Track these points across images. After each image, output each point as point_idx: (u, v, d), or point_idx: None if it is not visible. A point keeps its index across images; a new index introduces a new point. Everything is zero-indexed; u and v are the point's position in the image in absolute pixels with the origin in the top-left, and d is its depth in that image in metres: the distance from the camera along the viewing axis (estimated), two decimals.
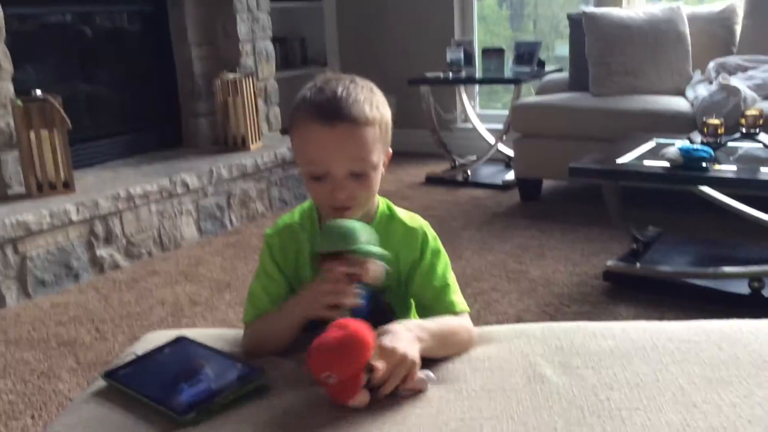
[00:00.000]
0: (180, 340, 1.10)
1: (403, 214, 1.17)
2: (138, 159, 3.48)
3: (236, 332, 1.18)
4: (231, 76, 3.61)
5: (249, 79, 3.64)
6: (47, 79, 3.22)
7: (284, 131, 4.17)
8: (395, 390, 0.95)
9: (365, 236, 1.01)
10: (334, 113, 1.02)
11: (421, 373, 0.97)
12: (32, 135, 2.77)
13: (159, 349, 1.07)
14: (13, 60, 2.81)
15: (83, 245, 2.77)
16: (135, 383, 0.99)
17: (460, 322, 1.11)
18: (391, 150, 1.12)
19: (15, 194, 2.83)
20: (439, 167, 4.26)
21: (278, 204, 3.65)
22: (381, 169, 1.09)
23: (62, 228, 2.68)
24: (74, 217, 2.70)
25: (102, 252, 2.83)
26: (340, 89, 1.04)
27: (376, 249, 1.01)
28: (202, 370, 1.00)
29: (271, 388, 0.98)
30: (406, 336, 0.98)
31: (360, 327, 0.93)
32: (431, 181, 4.10)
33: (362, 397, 0.93)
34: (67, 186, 2.85)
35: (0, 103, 2.77)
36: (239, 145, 3.63)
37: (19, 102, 2.76)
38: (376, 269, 1.01)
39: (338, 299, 0.99)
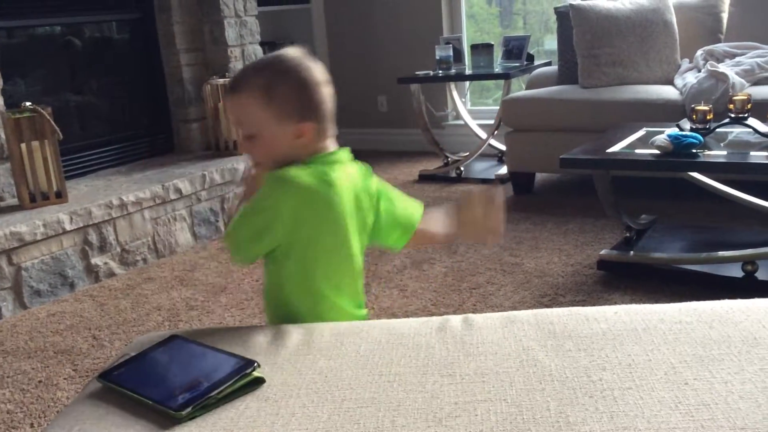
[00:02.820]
0: (173, 339, 1.10)
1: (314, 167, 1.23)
2: (130, 167, 3.48)
3: (226, 329, 1.18)
4: (220, 81, 3.61)
5: None
6: (37, 90, 3.22)
7: None
8: None
9: None
10: (227, 87, 1.30)
11: None
12: (23, 147, 2.77)
13: (153, 348, 1.08)
14: (2, 73, 2.81)
15: (78, 254, 2.77)
16: (130, 383, 0.99)
17: None
18: (308, 123, 1.22)
19: (8, 206, 2.83)
20: (432, 164, 4.27)
21: None
22: (277, 134, 1.22)
23: (56, 238, 2.68)
24: (68, 227, 2.70)
25: (97, 260, 2.83)
26: (246, 66, 1.32)
27: None
28: (197, 365, 1.00)
29: (266, 380, 0.99)
30: None
31: None
32: (425, 178, 4.11)
33: None
34: (60, 196, 2.85)
35: None
36: (231, 149, 3.63)
37: (9, 114, 2.76)
38: None
39: None
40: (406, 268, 2.69)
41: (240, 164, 3.42)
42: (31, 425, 1.78)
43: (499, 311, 2.22)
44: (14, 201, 2.85)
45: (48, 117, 2.79)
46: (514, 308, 2.25)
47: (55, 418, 1.00)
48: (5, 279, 2.53)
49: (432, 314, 2.25)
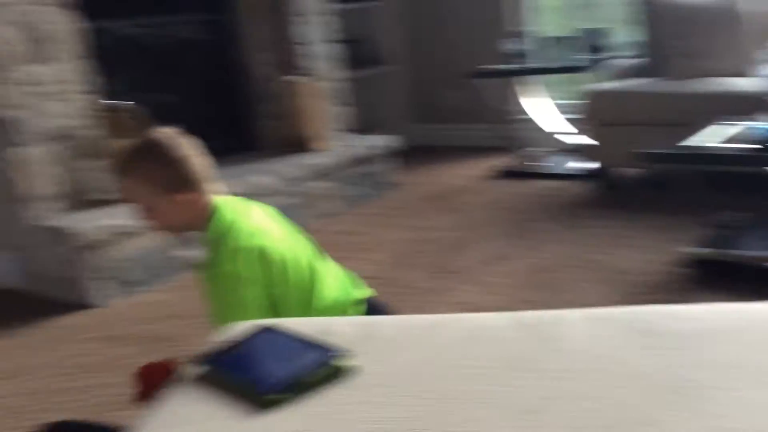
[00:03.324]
0: (267, 329, 1.15)
1: (235, 237, 1.42)
2: (214, 163, 3.59)
3: (318, 320, 1.22)
4: (299, 78, 3.69)
5: (317, 81, 3.71)
6: (126, 90, 3.36)
7: (353, 131, 4.23)
8: None
9: None
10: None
11: None
12: (115, 143, 2.90)
13: (248, 337, 1.13)
14: (97, 72, 2.95)
15: (173, 246, 2.89)
16: (228, 368, 1.05)
17: None
18: (187, 194, 1.42)
19: (101, 200, 2.96)
20: (507, 160, 4.24)
21: (350, 202, 3.71)
22: (165, 206, 1.42)
23: (146, 230, 2.80)
24: None
25: (188, 252, 2.95)
26: (124, 152, 1.46)
27: None
28: (290, 353, 1.05)
29: (355, 369, 1.02)
30: None
31: None
32: (500, 174, 4.08)
33: None
34: None
35: (84, 114, 2.92)
36: (309, 145, 3.70)
37: (102, 112, 2.90)
38: None
39: None
40: (485, 263, 2.69)
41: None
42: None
43: (581, 309, 2.20)
44: (107, 195, 2.99)
45: (141, 114, 2.92)
46: (598, 306, 2.21)
47: (160, 398, 1.07)
48: (106, 269, 2.67)
49: (513, 310, 2.24)
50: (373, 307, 1.57)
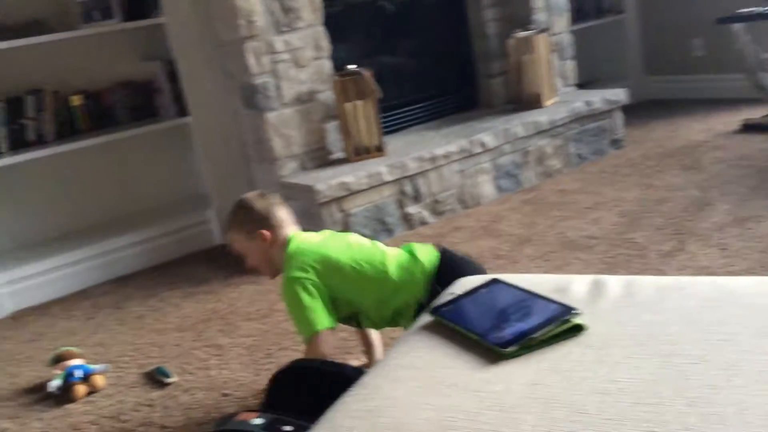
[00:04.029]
0: (495, 282, 1.17)
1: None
2: (439, 122, 3.68)
3: (552, 277, 1.21)
4: (524, 34, 3.61)
5: (542, 36, 3.60)
6: (357, 54, 3.52)
7: (580, 85, 4.06)
8: None
9: None
10: None
11: None
12: (349, 105, 3.08)
13: (476, 289, 1.15)
14: (332, 38, 3.14)
15: (395, 203, 3.02)
16: (457, 318, 1.08)
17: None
18: (264, 231, 1.78)
19: (336, 159, 3.18)
20: (757, 113, 3.81)
21: (575, 160, 3.59)
22: (253, 247, 1.81)
23: (377, 188, 2.96)
24: (386, 178, 2.96)
25: (411, 209, 3.07)
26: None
27: None
28: (519, 307, 1.05)
29: (586, 328, 1.00)
30: None
31: None
32: (749, 128, 3.69)
33: None
34: (379, 150, 3.13)
35: (322, 78, 3.12)
36: (534, 102, 3.63)
37: (336, 77, 3.09)
38: None
39: None
40: (727, 225, 2.47)
41: None
42: (363, 351, 2.03)
43: None
44: (341, 154, 3.19)
45: (369, 78, 3.06)
46: None
47: (394, 343, 1.14)
48: (337, 224, 2.87)
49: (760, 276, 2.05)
50: (449, 263, 1.72)
